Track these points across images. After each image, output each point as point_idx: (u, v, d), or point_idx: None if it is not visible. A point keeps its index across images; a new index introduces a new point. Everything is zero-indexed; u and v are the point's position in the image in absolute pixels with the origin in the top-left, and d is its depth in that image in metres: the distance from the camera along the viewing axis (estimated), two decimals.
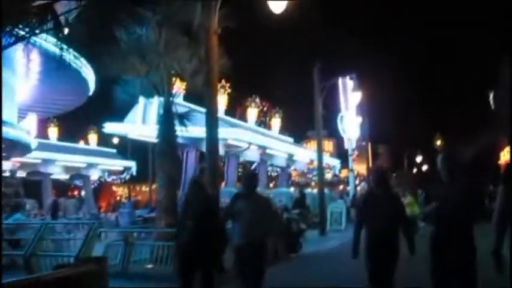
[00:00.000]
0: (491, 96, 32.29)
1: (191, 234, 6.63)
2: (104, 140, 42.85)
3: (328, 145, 61.98)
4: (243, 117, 34.31)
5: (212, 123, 13.07)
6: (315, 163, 36.03)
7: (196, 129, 24.32)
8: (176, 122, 14.81)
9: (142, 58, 13.06)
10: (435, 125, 54.27)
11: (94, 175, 43.39)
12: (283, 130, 49.39)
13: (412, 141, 61.55)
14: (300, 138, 51.13)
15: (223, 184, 28.84)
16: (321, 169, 25.74)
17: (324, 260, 15.76)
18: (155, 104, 22.38)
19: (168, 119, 13.84)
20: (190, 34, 13.27)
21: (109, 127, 27.24)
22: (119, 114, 26.42)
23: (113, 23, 9.05)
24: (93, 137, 43.87)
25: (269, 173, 44.36)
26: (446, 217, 5.18)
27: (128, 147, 43.37)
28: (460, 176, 5.35)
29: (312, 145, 59.02)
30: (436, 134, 48.39)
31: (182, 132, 15.24)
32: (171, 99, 13.94)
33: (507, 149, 48.59)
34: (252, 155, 28.20)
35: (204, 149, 25.82)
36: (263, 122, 45.36)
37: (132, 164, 44.30)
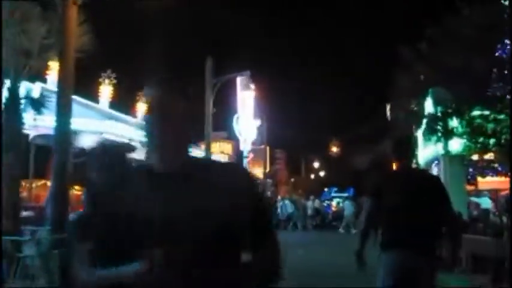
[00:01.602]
0: (388, 107, 32.88)
1: None
2: None
3: (227, 147, 60.69)
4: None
5: (63, 110, 11.09)
6: None
7: (73, 121, 22.12)
8: (29, 108, 12.68)
9: None
10: (332, 131, 54.40)
11: None
12: None
13: (310, 147, 61.62)
14: (198, 139, 49.47)
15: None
16: None
17: None
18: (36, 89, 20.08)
19: (13, 104, 11.58)
20: (43, 2, 11.20)
21: None
22: None
23: None
24: None
25: None
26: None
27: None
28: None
29: (212, 147, 57.51)
30: (332, 140, 48.34)
31: (36, 121, 13.13)
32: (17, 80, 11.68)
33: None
34: (137, 152, 26.02)
35: (77, 143, 23.72)
36: None
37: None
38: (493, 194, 17.89)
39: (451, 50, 12.13)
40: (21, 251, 10.28)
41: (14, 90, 11.76)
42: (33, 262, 10.05)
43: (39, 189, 30.16)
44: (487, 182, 17.68)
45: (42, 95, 12.81)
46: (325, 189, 60.89)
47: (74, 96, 24.37)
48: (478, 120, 12.24)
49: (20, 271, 9.88)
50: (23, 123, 11.81)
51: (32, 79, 19.73)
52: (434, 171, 18.90)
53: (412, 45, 13.93)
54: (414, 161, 18.06)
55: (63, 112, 11.02)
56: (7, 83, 11.81)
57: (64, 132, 11.05)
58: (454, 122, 13.10)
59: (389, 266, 4.39)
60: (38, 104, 12.59)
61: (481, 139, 12.17)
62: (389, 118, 33.07)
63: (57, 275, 9.51)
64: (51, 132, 21.63)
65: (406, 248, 4.32)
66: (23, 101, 12.34)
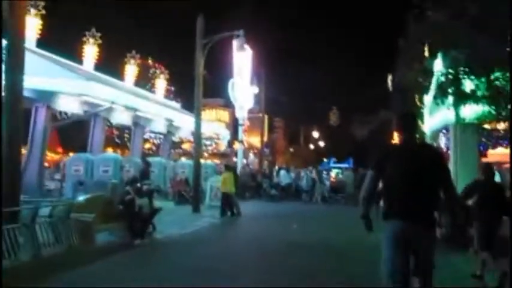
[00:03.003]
0: (389, 78, 31.78)
1: None
2: None
3: (223, 114, 59.08)
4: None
5: (14, 62, 9.41)
6: (204, 132, 32.98)
7: (48, 81, 20.60)
8: None
9: None
10: (332, 101, 52.52)
11: None
12: (177, 96, 45.78)
13: (309, 116, 59.88)
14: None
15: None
16: (198, 138, 22.61)
17: (180, 247, 12.62)
18: None
19: None
20: None
21: None
22: None
23: None
24: None
25: (152, 140, 40.80)
26: None
27: None
28: None
29: (207, 114, 55.87)
30: (332, 109, 46.62)
31: None
32: None
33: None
34: (123, 117, 24.46)
35: (56, 105, 22.13)
36: (152, 84, 41.51)
37: None
38: (498, 166, 16.39)
39: None
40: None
41: None
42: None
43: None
44: (498, 154, 16.16)
45: None
46: (324, 160, 59.49)
47: (54, 56, 22.87)
48: (499, 83, 10.51)
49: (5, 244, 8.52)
50: None
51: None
52: (442, 141, 17.37)
53: None
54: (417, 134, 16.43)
55: (14, 65, 9.35)
56: None
57: (15, 89, 9.38)
58: (469, 85, 11.38)
59: (392, 234, 4.70)
60: None
61: (504, 105, 10.42)
62: (390, 88, 32.14)
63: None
64: (27, 94, 20.30)
65: (407, 218, 4.67)
66: None
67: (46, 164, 30.17)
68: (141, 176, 15.95)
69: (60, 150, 37.63)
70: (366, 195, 4.99)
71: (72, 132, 31.92)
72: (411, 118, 5.27)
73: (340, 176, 38.15)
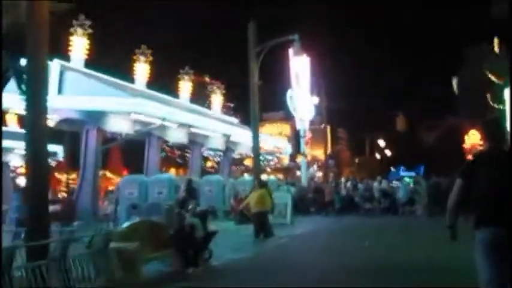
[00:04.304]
0: (454, 81, 29.78)
1: None
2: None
3: (285, 127, 57.79)
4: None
5: (37, 82, 8.30)
6: (265, 147, 31.76)
7: (96, 101, 19.85)
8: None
9: None
10: (397, 107, 50.14)
11: (14, 161, 37.91)
12: (236, 112, 44.91)
13: (373, 125, 57.64)
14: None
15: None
16: (257, 153, 21.22)
17: (240, 276, 11.10)
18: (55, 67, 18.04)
19: None
20: None
21: None
22: None
23: None
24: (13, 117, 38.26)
25: (213, 158, 39.93)
26: None
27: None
28: None
29: (268, 128, 54.71)
30: (398, 115, 44.39)
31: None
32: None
33: (472, 132, 46.19)
34: (178, 135, 23.49)
35: (107, 126, 21.35)
36: (209, 101, 40.74)
37: (57, 148, 38.83)
38: None
39: None
40: None
41: None
42: None
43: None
44: None
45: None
46: (392, 169, 56.98)
47: (102, 75, 22.23)
48: None
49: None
50: None
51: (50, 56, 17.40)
52: None
53: None
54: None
55: (34, 80, 8.24)
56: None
57: (37, 106, 8.24)
58: None
59: (486, 242, 4.59)
60: (22, 76, 9.80)
61: None
62: (456, 91, 30.16)
63: None
64: (77, 115, 19.66)
65: (501, 224, 4.52)
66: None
67: (110, 188, 29.69)
68: (188, 195, 14.79)
69: (124, 172, 37.33)
70: (454, 205, 4.93)
71: (135, 154, 31.42)
72: (496, 125, 5.24)
73: (412, 185, 35.73)
